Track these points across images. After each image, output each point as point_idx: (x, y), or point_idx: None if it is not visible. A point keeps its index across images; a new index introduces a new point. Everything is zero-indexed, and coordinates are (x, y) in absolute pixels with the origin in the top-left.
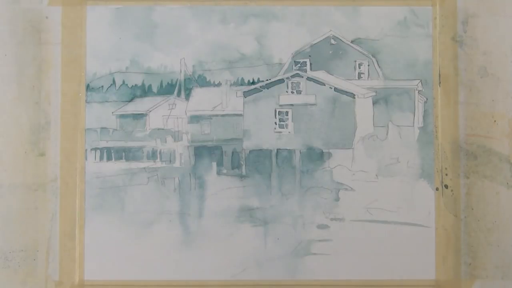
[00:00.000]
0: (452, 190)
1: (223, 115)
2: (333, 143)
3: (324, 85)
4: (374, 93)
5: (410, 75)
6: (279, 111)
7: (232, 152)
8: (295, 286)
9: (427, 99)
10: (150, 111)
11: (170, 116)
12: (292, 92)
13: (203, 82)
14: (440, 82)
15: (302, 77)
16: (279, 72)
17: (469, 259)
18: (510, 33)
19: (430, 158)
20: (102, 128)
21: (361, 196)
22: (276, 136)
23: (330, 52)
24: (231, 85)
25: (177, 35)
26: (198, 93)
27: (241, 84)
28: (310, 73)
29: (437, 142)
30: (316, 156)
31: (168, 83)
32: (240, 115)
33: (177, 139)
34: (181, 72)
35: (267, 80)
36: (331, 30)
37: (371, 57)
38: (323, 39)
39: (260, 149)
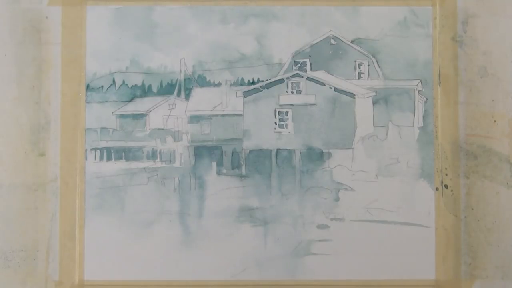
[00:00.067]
0: (452, 190)
1: (223, 115)
2: (333, 143)
3: (324, 85)
4: (374, 93)
5: (410, 75)
6: (279, 111)
7: (232, 152)
8: (295, 286)
9: (427, 99)
10: (150, 111)
11: (170, 116)
12: (292, 92)
13: (203, 82)
14: (440, 82)
15: (302, 77)
16: (279, 72)
17: (469, 259)
18: (510, 33)
19: (430, 158)
20: (102, 128)
21: (361, 196)
22: (276, 136)
23: (330, 52)
24: (231, 85)
25: (177, 35)
26: (198, 93)
27: (241, 84)
28: (310, 73)
29: (437, 142)
30: (316, 156)
31: (168, 83)
32: (240, 115)
33: (177, 139)
34: (181, 72)
35: (267, 80)
36: (331, 30)
37: (371, 57)
38: (323, 39)
39: (260, 149)
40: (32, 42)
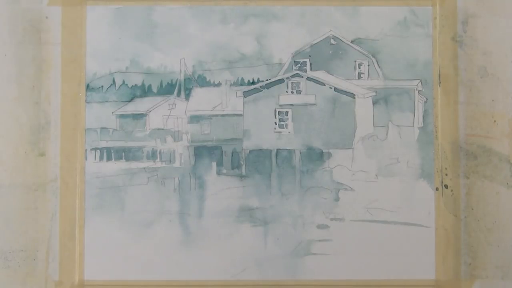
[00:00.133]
0: (452, 190)
1: (223, 115)
2: (333, 143)
3: (324, 85)
4: (374, 93)
5: (410, 75)
6: (279, 111)
7: (232, 152)
8: (295, 286)
9: (427, 99)
10: (150, 111)
11: (170, 116)
12: (292, 92)
13: (203, 82)
14: (440, 82)
15: (302, 77)
16: (279, 72)
17: (469, 259)
18: (510, 33)
19: (430, 158)
20: (102, 128)
21: (361, 196)
22: (276, 136)
23: (330, 52)
24: (231, 85)
25: (177, 35)
26: (198, 93)
27: (241, 84)
28: (310, 73)
29: (437, 142)
30: (316, 156)
31: (168, 83)
32: (240, 115)
33: (177, 139)
34: (181, 72)
35: (267, 80)
36: (331, 30)
37: (371, 57)
38: (323, 39)
39: (260, 149)
40: (32, 42)
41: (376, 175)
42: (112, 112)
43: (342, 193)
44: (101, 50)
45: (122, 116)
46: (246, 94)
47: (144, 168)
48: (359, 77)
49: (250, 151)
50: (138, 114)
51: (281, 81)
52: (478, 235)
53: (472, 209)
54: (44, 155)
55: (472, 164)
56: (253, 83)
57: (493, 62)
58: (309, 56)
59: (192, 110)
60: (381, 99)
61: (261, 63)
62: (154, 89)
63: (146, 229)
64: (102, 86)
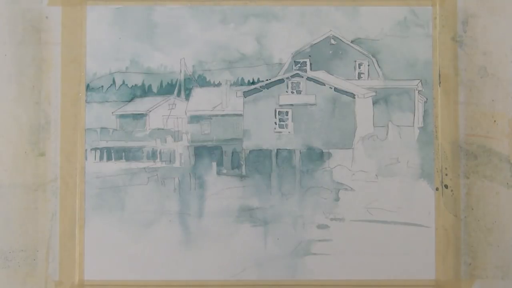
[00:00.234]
0: (452, 190)
1: (223, 115)
2: (333, 143)
3: (324, 85)
4: (374, 93)
5: (410, 75)
6: (279, 111)
7: (232, 152)
8: (295, 286)
9: (427, 99)
10: (150, 111)
11: (170, 116)
12: (292, 92)
13: (203, 82)
14: (440, 82)
15: (302, 77)
16: (279, 72)
17: (469, 259)
18: (510, 33)
19: (430, 158)
20: (102, 128)
21: (361, 196)
22: (276, 136)
23: (330, 52)
24: (231, 85)
25: (177, 35)
26: (198, 93)
27: (241, 84)
28: (310, 73)
29: (437, 142)
30: (316, 156)
31: (168, 83)
32: (240, 115)
33: (177, 139)
34: (181, 72)
35: (267, 80)
36: (331, 30)
37: (371, 57)
38: (323, 39)
39: (260, 149)
40: (32, 42)
41: (376, 175)
42: (112, 112)
43: (342, 193)
44: (101, 50)
45: (122, 116)
46: (246, 94)
47: (144, 168)
48: (359, 77)
49: (250, 151)
50: (138, 114)
51: (281, 81)
52: (478, 235)
53: (472, 209)
54: (44, 155)
55: (472, 164)
56: (253, 83)
57: (493, 62)
58: (309, 56)
59: (192, 110)
60: (381, 99)
61: (261, 63)
62: (154, 89)
63: (146, 229)
64: (102, 86)
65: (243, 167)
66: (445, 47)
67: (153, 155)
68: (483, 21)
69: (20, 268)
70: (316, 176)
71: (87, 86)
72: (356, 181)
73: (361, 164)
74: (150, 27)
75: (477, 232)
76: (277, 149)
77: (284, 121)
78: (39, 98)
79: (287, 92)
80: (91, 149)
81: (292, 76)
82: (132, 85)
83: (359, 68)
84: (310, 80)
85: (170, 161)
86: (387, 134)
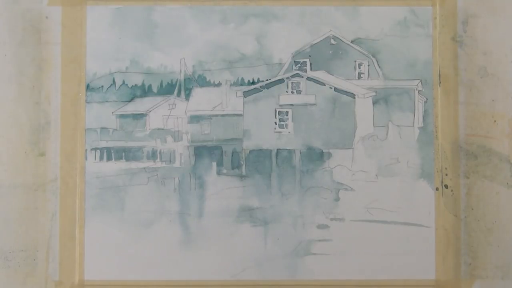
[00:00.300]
0: (452, 190)
1: (223, 115)
2: (333, 143)
3: (324, 85)
4: (374, 93)
5: (410, 75)
6: (279, 111)
7: (232, 152)
8: (295, 286)
9: (427, 99)
10: (150, 111)
11: (170, 116)
12: (292, 92)
13: (203, 82)
14: (440, 82)
15: (302, 77)
16: (279, 72)
17: (469, 259)
18: (510, 33)
19: (430, 158)
20: (102, 128)
21: (361, 196)
22: (276, 136)
23: (330, 52)
24: (231, 85)
25: (177, 35)
26: (198, 93)
27: (241, 84)
28: (310, 73)
29: (437, 142)
30: (316, 156)
31: (168, 83)
32: (240, 115)
33: (177, 139)
34: (181, 72)
35: (267, 80)
36: (331, 30)
37: (371, 57)
38: (323, 39)
39: (260, 149)
40: (32, 42)
41: (376, 175)
42: (112, 112)
43: (342, 193)
44: (101, 50)
45: (122, 116)
46: (246, 94)
47: (144, 168)
48: (359, 77)
49: (250, 151)
50: (138, 114)
51: (281, 81)
52: (478, 235)
53: (472, 209)
54: (44, 155)
55: (472, 164)
56: (253, 83)
57: (493, 62)
58: (309, 56)
59: (192, 110)
60: (381, 99)
61: (261, 63)
62: (154, 89)
63: (146, 229)
64: (102, 86)
65: (243, 167)
66: (445, 47)
67: (153, 155)
68: (483, 21)
69: (20, 268)
70: (316, 176)
71: (87, 86)
72: (356, 181)
73: (361, 164)
74: (150, 27)
75: (477, 232)
76: (277, 149)
77: (284, 121)
78: (39, 98)
79: (287, 92)
80: (91, 149)
81: (292, 76)
82: (132, 85)
83: (359, 68)
84: (310, 80)
85: (170, 161)
86: (387, 134)
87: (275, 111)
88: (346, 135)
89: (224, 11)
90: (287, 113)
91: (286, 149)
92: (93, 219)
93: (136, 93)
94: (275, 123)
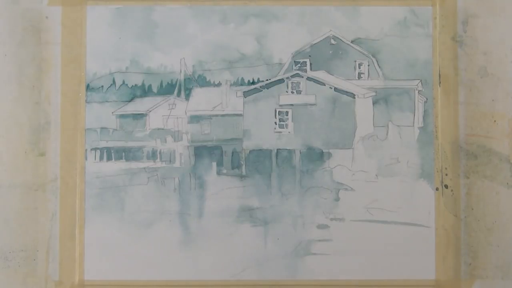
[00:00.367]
0: (452, 190)
1: (223, 115)
2: (333, 143)
3: (324, 85)
4: (374, 93)
5: (410, 75)
6: (279, 111)
7: (232, 152)
8: (295, 286)
9: (427, 99)
10: (150, 111)
11: (170, 116)
12: (292, 92)
13: (203, 82)
14: (440, 82)
15: (302, 77)
16: (279, 72)
17: (469, 259)
18: (510, 33)
19: (430, 158)
20: (102, 128)
21: (361, 196)
22: (276, 136)
23: (330, 52)
24: (231, 85)
25: (177, 35)
26: (198, 93)
27: (241, 84)
28: (310, 73)
29: (437, 142)
30: (316, 156)
31: (168, 83)
32: (240, 115)
33: (177, 139)
34: (181, 72)
35: (267, 80)
36: (331, 30)
37: (371, 57)
38: (323, 39)
39: (260, 149)
40: (32, 42)
41: (376, 175)
42: (112, 112)
43: (342, 193)
44: (101, 50)
45: (122, 116)
46: (246, 94)
47: (144, 168)
48: (359, 77)
49: (250, 151)
50: (138, 114)
51: (281, 81)
52: (478, 235)
53: (472, 209)
54: (44, 155)
55: (472, 164)
56: (253, 83)
57: (493, 62)
58: (309, 56)
59: (192, 110)
60: (381, 99)
61: (261, 63)
62: (154, 89)
63: (146, 229)
64: (102, 86)
65: (243, 167)
66: (445, 47)
67: (153, 155)
68: (483, 21)
69: (20, 268)
70: (316, 176)
71: (87, 86)
72: (356, 181)
73: (361, 164)
74: (150, 27)
75: (477, 232)
76: (277, 149)
77: (284, 121)
78: (39, 98)
79: (287, 92)
80: (91, 149)
81: (292, 76)
82: (132, 85)
83: (359, 68)
84: (310, 80)
85: (170, 161)
86: (387, 134)
87: (275, 111)
88: (346, 135)
89: (224, 11)
90: (287, 113)
91: (286, 149)
92: (93, 219)
93: (136, 93)
94: (275, 123)
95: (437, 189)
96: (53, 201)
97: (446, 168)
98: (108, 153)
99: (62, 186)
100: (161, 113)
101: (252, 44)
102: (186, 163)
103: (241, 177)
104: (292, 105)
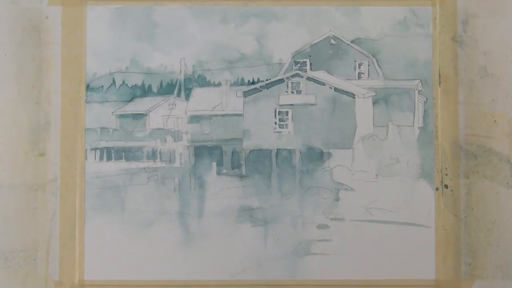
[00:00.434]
0: (452, 190)
1: (223, 115)
2: (333, 143)
3: (324, 85)
4: (374, 93)
5: (410, 75)
6: (279, 111)
7: (232, 152)
8: (295, 286)
9: (427, 99)
10: (150, 111)
11: (170, 116)
12: (292, 92)
13: (203, 82)
14: (440, 82)
15: (302, 77)
16: (279, 72)
17: (469, 259)
18: (510, 33)
19: (430, 158)
20: (102, 128)
21: (361, 196)
22: (276, 136)
23: (330, 52)
24: (231, 85)
25: (177, 35)
26: (198, 93)
27: (241, 84)
28: (310, 73)
29: (437, 142)
30: (316, 156)
31: (168, 83)
32: (240, 115)
33: (177, 139)
34: (181, 72)
35: (267, 80)
36: (331, 30)
37: (371, 57)
38: (323, 39)
39: (260, 149)
40: (32, 42)
41: (376, 175)
42: (112, 112)
43: (342, 193)
44: (101, 50)
45: (122, 116)
46: (246, 94)
47: (144, 168)
48: (359, 77)
49: (250, 151)
50: (138, 114)
51: (281, 81)
52: (478, 235)
53: (472, 209)
54: (44, 155)
55: (472, 164)
56: (253, 83)
57: (493, 62)
58: (309, 56)
59: (192, 110)
60: (381, 99)
61: (261, 63)
62: (154, 89)
63: (146, 229)
64: (102, 86)
65: (243, 167)
66: (445, 47)
67: (153, 155)
68: (483, 21)
69: (20, 268)
70: (316, 176)
71: (87, 86)
72: (356, 181)
73: (361, 164)
74: (150, 27)
75: (477, 232)
76: (277, 149)
77: (284, 121)
78: (39, 98)
79: (287, 92)
80: (91, 149)
81: (292, 76)
82: (132, 85)
83: (359, 68)
84: (310, 80)
85: (170, 161)
86: (387, 134)
87: (275, 111)
88: (346, 135)
89: (224, 11)
90: (287, 113)
91: (286, 149)
92: (93, 219)
93: (136, 93)
94: (275, 123)
95: (437, 189)
96: (53, 201)
97: (446, 168)
98: (108, 153)
99: (62, 186)
100: (161, 113)
101: (252, 44)
102: (186, 163)
103: (241, 177)
104: (292, 105)
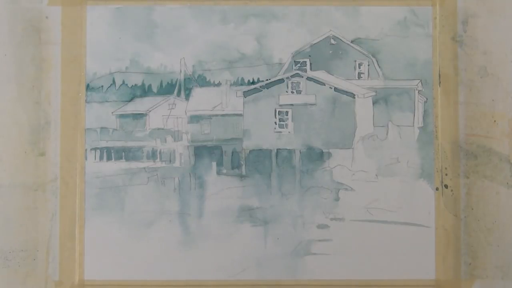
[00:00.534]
0: (452, 190)
1: (223, 115)
2: (333, 143)
3: (324, 85)
4: (374, 93)
5: (410, 75)
6: (279, 111)
7: (232, 152)
8: (295, 286)
9: (427, 99)
10: (150, 111)
11: (170, 116)
12: (292, 92)
13: (203, 82)
14: (440, 82)
15: (302, 77)
16: (279, 72)
17: (469, 259)
18: (510, 33)
19: (430, 158)
20: (102, 128)
21: (361, 196)
22: (276, 136)
23: (330, 52)
24: (231, 85)
25: (177, 35)
26: (198, 93)
27: (241, 84)
28: (310, 73)
29: (437, 142)
30: (316, 156)
31: (168, 83)
32: (240, 115)
33: (177, 139)
34: (181, 72)
35: (267, 80)
36: (331, 30)
37: (371, 57)
38: (323, 39)
39: (260, 149)
40: (32, 42)
41: (376, 175)
42: (112, 112)
43: (342, 193)
44: (101, 50)
45: (122, 116)
46: (246, 94)
47: (144, 168)
48: (359, 77)
49: (250, 151)
50: (138, 114)
51: (281, 81)
52: (478, 235)
53: (472, 209)
54: (44, 155)
55: (472, 164)
56: (253, 83)
57: (493, 62)
58: (309, 56)
59: (192, 110)
60: (381, 99)
61: (261, 63)
62: (154, 89)
63: (146, 229)
64: (102, 86)
65: (243, 167)
66: (445, 47)
67: (153, 155)
68: (483, 21)
69: (20, 268)
70: (316, 176)
71: (87, 86)
72: (356, 181)
73: (361, 164)
74: (150, 27)
75: (477, 232)
76: (277, 149)
77: (284, 121)
78: (39, 98)
79: (287, 92)
80: (91, 149)
81: (292, 76)
82: (132, 85)
83: (359, 68)
84: (310, 80)
85: (170, 161)
86: (387, 134)
87: (275, 111)
88: (346, 135)
89: (224, 11)
90: (287, 113)
91: (286, 149)
92: (93, 219)
93: (136, 93)
94: (275, 123)
95: (437, 189)
96: (53, 201)
97: (446, 168)
98: (108, 153)
99: (62, 186)
100: (161, 113)
101: (252, 44)
102: (186, 163)
103: (241, 177)
104: (292, 105)
